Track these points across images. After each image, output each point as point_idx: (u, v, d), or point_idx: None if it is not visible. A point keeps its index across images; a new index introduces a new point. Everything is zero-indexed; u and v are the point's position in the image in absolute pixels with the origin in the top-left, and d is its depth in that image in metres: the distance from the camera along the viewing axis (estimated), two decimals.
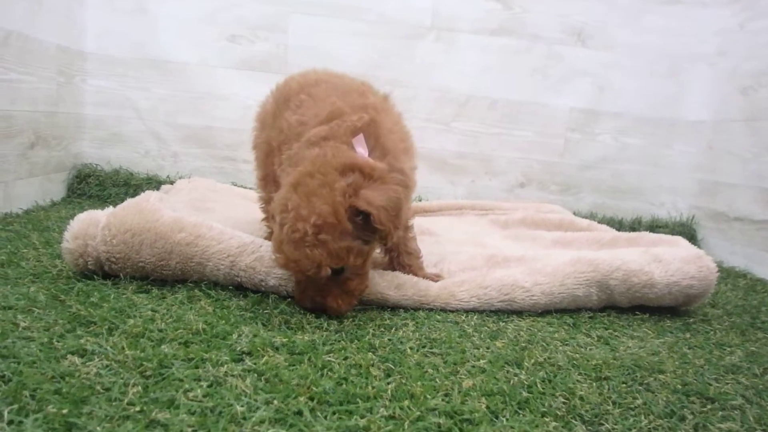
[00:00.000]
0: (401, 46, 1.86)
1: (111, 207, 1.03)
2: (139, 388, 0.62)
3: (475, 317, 0.99)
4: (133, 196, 1.69)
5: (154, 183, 1.75)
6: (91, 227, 0.97)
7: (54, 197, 1.62)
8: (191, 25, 1.77)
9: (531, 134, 1.97)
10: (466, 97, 1.92)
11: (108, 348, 0.71)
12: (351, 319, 0.91)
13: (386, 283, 1.01)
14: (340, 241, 0.85)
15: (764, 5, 1.76)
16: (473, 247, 1.40)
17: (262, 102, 1.22)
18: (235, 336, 0.79)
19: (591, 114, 1.97)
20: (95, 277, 0.97)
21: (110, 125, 1.79)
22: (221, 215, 1.40)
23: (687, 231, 1.96)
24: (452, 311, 1.01)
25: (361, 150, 0.94)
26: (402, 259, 1.12)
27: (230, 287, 0.99)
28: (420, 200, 1.94)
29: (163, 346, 0.73)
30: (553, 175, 2.00)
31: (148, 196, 1.05)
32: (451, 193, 1.97)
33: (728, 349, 0.97)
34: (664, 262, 1.10)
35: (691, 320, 1.10)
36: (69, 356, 0.68)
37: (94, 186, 1.70)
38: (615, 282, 1.06)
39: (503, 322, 0.98)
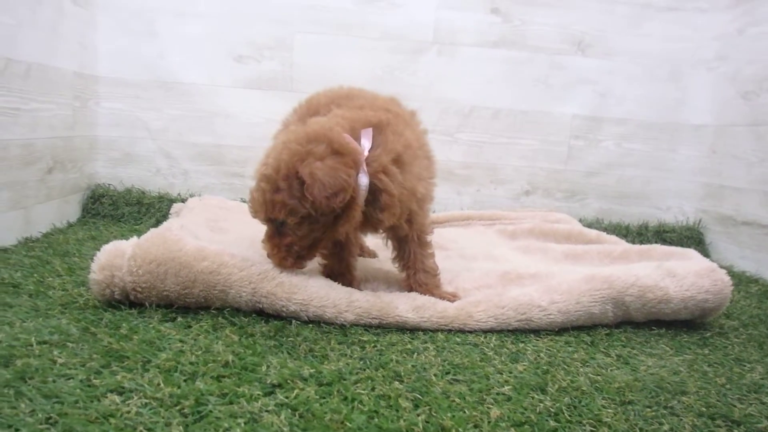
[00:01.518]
0: (405, 61, 1.89)
1: (135, 237, 1.06)
2: (181, 428, 0.65)
3: (494, 338, 1.00)
4: (145, 214, 1.74)
5: (165, 201, 1.78)
6: (117, 258, 0.99)
7: (70, 218, 1.65)
8: (199, 46, 1.80)
9: (535, 142, 1.99)
10: (470, 108, 1.94)
11: (144, 384, 0.73)
12: (373, 345, 0.94)
13: (405, 306, 1.03)
14: (275, 194, 0.94)
15: (763, 11, 1.78)
16: (484, 262, 1.42)
17: (283, 120, 1.24)
18: (264, 368, 0.81)
19: (594, 121, 1.99)
20: (121, 306, 1.00)
21: (123, 145, 1.82)
22: (235, 235, 1.43)
23: (695, 235, 1.97)
24: (470, 332, 1.03)
25: (365, 142, 0.98)
26: (419, 277, 1.13)
27: (252, 313, 1.02)
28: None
29: (197, 382, 0.75)
30: (558, 182, 2.03)
31: (170, 226, 1.07)
32: (457, 202, 1.99)
33: (748, 365, 0.98)
34: (678, 277, 1.11)
35: (708, 334, 1.12)
36: (108, 394, 0.71)
37: (108, 206, 1.72)
38: (630, 298, 1.08)
39: (522, 342, 0.99)
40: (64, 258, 1.28)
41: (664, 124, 2.02)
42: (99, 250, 1.33)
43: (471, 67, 1.91)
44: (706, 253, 1.92)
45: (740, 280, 1.63)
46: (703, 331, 1.13)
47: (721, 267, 1.74)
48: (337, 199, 0.91)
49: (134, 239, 1.04)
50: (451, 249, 1.55)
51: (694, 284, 1.10)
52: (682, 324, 1.13)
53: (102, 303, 1.01)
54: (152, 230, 1.07)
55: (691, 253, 1.28)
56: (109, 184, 1.81)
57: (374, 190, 0.98)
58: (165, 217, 1.72)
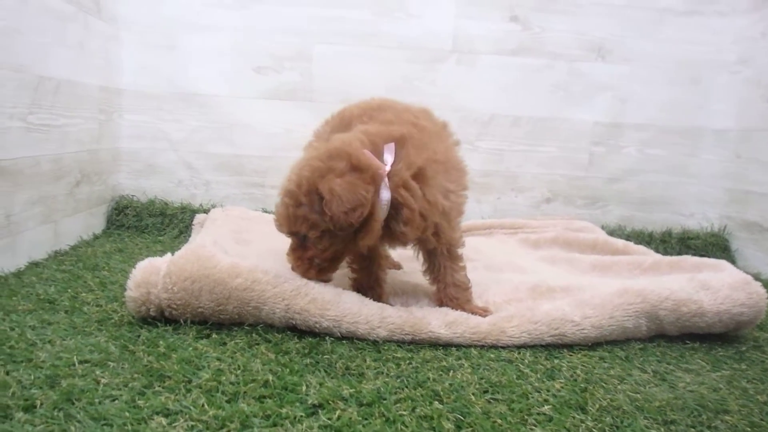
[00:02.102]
0: (424, 70, 1.89)
1: (169, 254, 1.07)
2: None
3: (528, 354, 1.00)
4: (168, 225, 1.76)
5: (187, 212, 1.79)
6: (152, 275, 1.00)
7: (96, 230, 1.67)
8: (219, 58, 1.81)
9: (555, 150, 1.98)
10: (489, 116, 1.94)
11: (189, 406, 0.74)
12: (408, 362, 0.93)
13: (437, 322, 1.03)
14: (297, 209, 0.98)
15: None
16: (512, 273, 1.41)
17: (315, 130, 1.26)
18: (303, 387, 0.81)
19: (614, 127, 1.98)
20: (156, 323, 1.01)
21: (145, 157, 1.83)
22: (260, 247, 1.43)
23: (720, 242, 1.93)
24: (503, 347, 1.02)
25: (388, 156, 1.00)
26: (449, 291, 1.13)
27: (285, 329, 1.02)
28: None
29: (240, 403, 0.76)
30: (578, 189, 2.02)
31: (204, 242, 1.08)
32: (477, 211, 1.99)
33: None
34: (712, 290, 1.10)
35: (743, 348, 1.11)
36: (155, 417, 0.71)
37: (132, 217, 1.74)
38: (664, 312, 1.07)
39: (556, 358, 0.99)
40: (94, 272, 1.29)
41: (685, 129, 2.00)
42: (127, 263, 1.38)
43: (490, 75, 1.91)
44: (732, 260, 1.88)
45: None
46: (738, 345, 1.12)
47: (748, 274, 1.75)
48: (355, 215, 0.93)
49: (168, 256, 1.05)
50: (476, 260, 1.54)
51: (728, 297, 1.09)
52: (716, 337, 1.12)
53: (137, 319, 1.02)
54: (186, 247, 1.08)
55: (724, 264, 1.26)
56: (132, 196, 1.82)
57: (396, 205, 0.99)
58: (187, 227, 1.74)
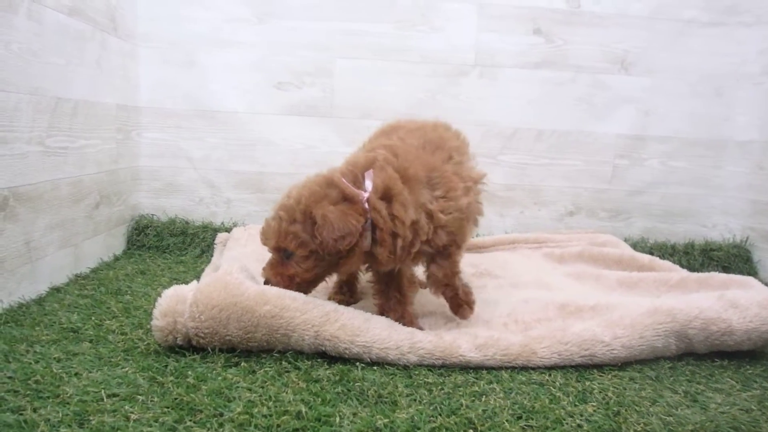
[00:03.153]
0: (446, 84, 1.87)
1: (195, 281, 1.05)
2: None
3: (558, 376, 0.98)
4: (190, 244, 1.74)
5: (209, 230, 1.77)
6: (179, 304, 0.98)
7: (116, 251, 1.65)
8: (239, 74, 1.80)
9: (579, 163, 1.96)
10: (512, 129, 1.92)
11: None
12: (440, 387, 0.91)
13: (467, 345, 1.01)
14: (290, 225, 1.02)
15: None
16: (538, 290, 1.39)
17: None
18: (337, 419, 0.79)
19: (638, 139, 1.96)
20: (184, 351, 0.98)
21: (165, 175, 1.82)
22: None
23: (742, 253, 1.92)
24: (533, 368, 1.00)
25: (368, 183, 1.03)
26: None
27: (314, 356, 1.00)
28: (473, 237, 1.93)
29: None
30: (602, 202, 1.99)
31: (231, 269, 1.06)
32: (500, 225, 1.96)
33: None
34: (740, 308, 1.09)
35: None
36: None
37: (152, 237, 1.72)
38: (694, 331, 1.06)
39: (587, 380, 0.97)
40: (117, 297, 1.27)
41: (709, 141, 1.97)
42: (149, 285, 1.36)
43: (513, 89, 1.89)
44: (754, 271, 1.88)
45: None
46: (766, 361, 1.10)
47: None
48: (344, 242, 0.97)
49: (194, 284, 1.03)
50: (501, 276, 1.53)
51: (757, 315, 1.08)
52: (744, 354, 1.10)
53: (163, 348, 0.99)
54: (212, 274, 1.06)
55: (751, 281, 1.26)
56: (152, 215, 1.81)
57: (374, 228, 1.03)
58: (209, 247, 1.72)
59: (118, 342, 1.02)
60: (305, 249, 1.02)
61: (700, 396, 0.93)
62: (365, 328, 1.00)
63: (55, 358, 0.93)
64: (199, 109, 1.79)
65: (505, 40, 1.86)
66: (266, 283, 1.07)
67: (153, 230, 1.73)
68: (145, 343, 1.02)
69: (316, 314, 1.00)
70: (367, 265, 1.12)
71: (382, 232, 1.01)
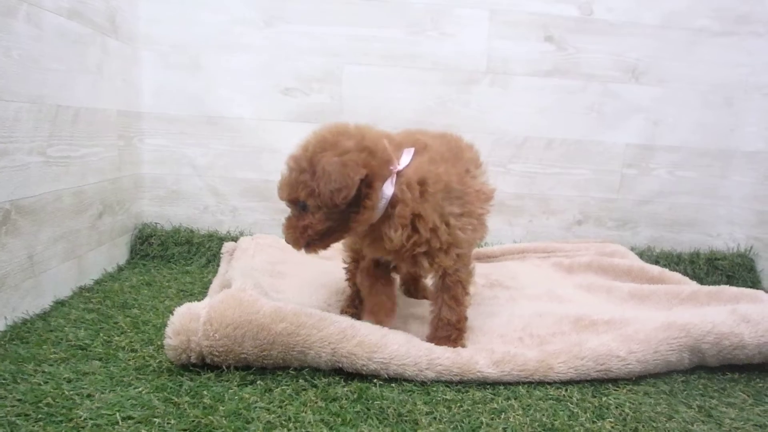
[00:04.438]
0: (457, 92, 1.84)
1: (208, 298, 1.02)
2: None
3: (575, 391, 0.98)
4: (195, 254, 1.70)
5: (215, 239, 1.73)
6: (192, 322, 0.95)
7: (119, 261, 1.61)
8: (245, 80, 1.76)
9: (588, 172, 1.94)
10: (522, 138, 1.90)
11: None
12: (459, 405, 0.90)
13: (485, 361, 1.00)
14: (299, 175, 0.99)
15: None
16: (550, 303, 1.38)
17: None
18: None
19: (646, 149, 1.95)
20: (198, 370, 0.96)
21: (169, 183, 1.78)
22: (296, 280, 1.39)
23: (746, 263, 1.93)
24: (549, 383, 1.00)
25: (405, 157, 1.01)
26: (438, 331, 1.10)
27: (331, 372, 0.98)
28: (481, 245, 1.91)
29: None
30: (610, 211, 1.98)
31: (245, 286, 1.03)
32: (509, 234, 1.94)
33: None
34: (752, 323, 1.10)
35: None
36: None
37: (157, 246, 1.68)
38: (707, 346, 1.07)
39: (603, 395, 0.97)
40: (124, 310, 1.23)
41: (717, 151, 1.97)
42: (156, 298, 1.33)
43: (524, 97, 1.87)
44: (757, 281, 1.89)
45: None
46: None
47: None
48: (340, 195, 0.93)
49: (207, 301, 1.00)
50: (512, 288, 1.51)
51: None
52: (753, 367, 1.11)
53: (176, 366, 0.96)
54: (226, 291, 1.03)
55: (762, 295, 1.28)
56: (156, 223, 1.77)
57: (394, 203, 0.99)
58: (215, 256, 1.68)
59: (129, 360, 0.99)
60: (311, 197, 0.97)
61: (714, 411, 0.93)
62: (382, 344, 0.98)
63: (65, 378, 0.90)
64: (204, 114, 1.76)
65: (517, 47, 1.84)
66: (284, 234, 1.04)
67: (157, 239, 1.69)
68: (157, 360, 0.99)
69: (333, 331, 0.98)
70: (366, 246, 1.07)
71: (405, 208, 0.98)
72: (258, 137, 1.78)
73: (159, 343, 1.05)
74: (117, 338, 1.08)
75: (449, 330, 1.08)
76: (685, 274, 1.83)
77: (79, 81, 1.34)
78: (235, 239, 1.74)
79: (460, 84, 1.84)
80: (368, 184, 0.96)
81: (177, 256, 1.69)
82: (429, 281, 1.41)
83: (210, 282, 1.47)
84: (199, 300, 1.32)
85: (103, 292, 1.34)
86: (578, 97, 1.89)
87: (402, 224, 0.98)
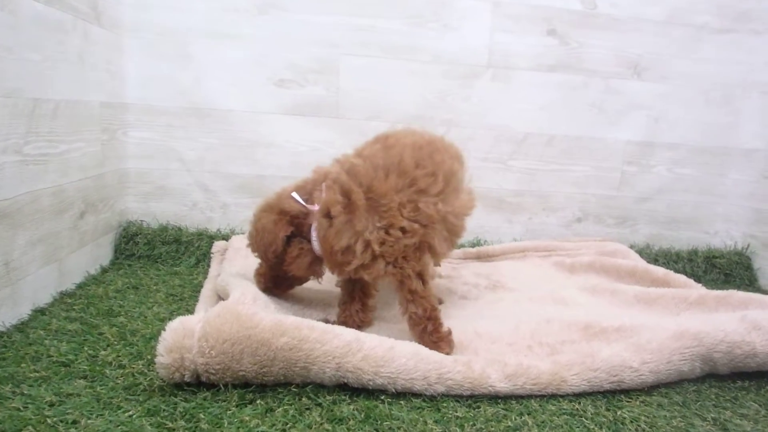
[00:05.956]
0: (458, 86, 1.78)
1: (202, 312, 0.95)
2: None
3: (588, 404, 0.95)
4: (184, 253, 1.62)
5: (204, 238, 1.65)
6: (186, 338, 0.88)
7: (103, 262, 1.52)
8: (237, 70, 1.66)
9: (588, 169, 1.90)
10: (523, 134, 1.84)
11: None
12: (471, 423, 0.86)
13: (497, 375, 0.96)
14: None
15: None
16: (555, 306, 1.35)
17: None
18: None
19: (647, 146, 1.92)
20: (192, 389, 0.89)
21: (155, 178, 1.68)
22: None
23: (743, 261, 1.93)
24: (562, 396, 0.97)
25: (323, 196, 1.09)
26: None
27: (335, 388, 0.93)
28: (481, 243, 1.87)
29: None
30: (609, 208, 1.95)
31: (242, 299, 0.97)
32: (509, 231, 1.90)
33: None
34: (763, 330, 1.09)
35: None
36: None
37: (143, 245, 1.59)
38: (719, 355, 1.06)
39: (616, 408, 0.94)
40: (109, 319, 1.16)
41: (715, 149, 1.95)
42: (144, 303, 1.25)
43: (526, 92, 1.81)
44: (754, 278, 1.90)
45: None
46: None
47: None
48: (270, 251, 1.09)
49: (202, 315, 0.93)
50: (516, 290, 1.47)
51: None
52: (763, 374, 1.10)
53: (169, 385, 0.90)
54: (221, 304, 0.96)
55: None
56: (141, 221, 1.68)
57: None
58: (205, 255, 1.60)
59: (117, 378, 0.92)
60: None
61: (729, 423, 0.92)
62: (389, 358, 0.93)
63: (47, 402, 0.82)
64: (193, 106, 1.66)
65: (519, 41, 1.78)
66: None
67: (143, 238, 1.60)
68: (148, 378, 0.92)
69: (337, 344, 0.92)
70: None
71: (322, 245, 1.07)
72: (250, 131, 1.70)
73: (149, 356, 0.98)
74: (103, 352, 1.00)
75: (422, 322, 1.06)
76: (684, 272, 1.83)
77: (59, 72, 1.24)
78: (225, 237, 1.67)
79: (462, 78, 1.78)
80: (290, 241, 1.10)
81: (164, 255, 1.60)
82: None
83: (200, 284, 1.39)
84: (189, 305, 1.27)
85: (86, 298, 1.26)
86: (580, 93, 1.84)
87: (327, 262, 1.09)
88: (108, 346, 1.03)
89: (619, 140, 1.90)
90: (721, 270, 1.90)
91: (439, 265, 1.40)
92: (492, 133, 1.83)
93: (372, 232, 1.03)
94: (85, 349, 1.01)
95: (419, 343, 1.02)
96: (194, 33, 1.63)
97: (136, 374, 0.93)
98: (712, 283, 1.82)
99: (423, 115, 1.77)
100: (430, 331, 1.06)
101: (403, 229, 1.05)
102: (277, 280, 1.17)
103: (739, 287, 1.81)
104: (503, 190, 1.87)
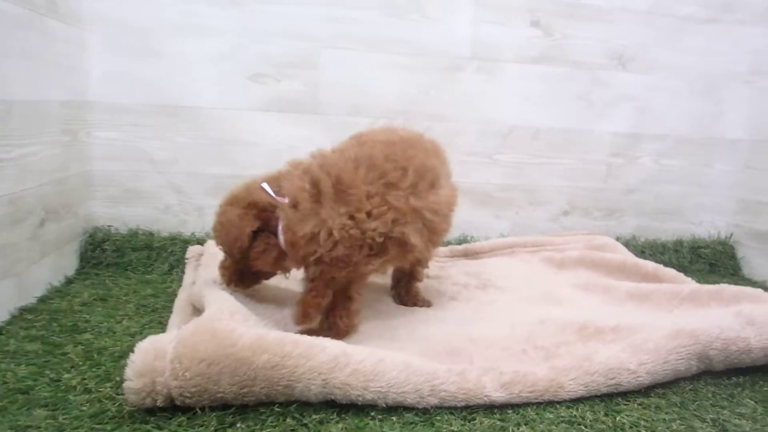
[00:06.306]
0: (441, 79, 1.71)
1: (176, 325, 0.88)
2: None
3: (586, 410, 0.91)
4: (156, 260, 1.53)
5: (178, 243, 1.56)
6: (157, 360, 0.81)
7: (67, 272, 1.42)
8: (209, 65, 1.57)
9: (575, 161, 1.87)
10: (509, 127, 1.80)
11: None
12: None
13: (492, 384, 0.91)
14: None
15: None
16: (548, 306, 1.31)
17: None
18: None
19: (633, 138, 1.89)
20: (166, 414, 0.82)
21: (123, 181, 1.58)
22: (270, 291, 1.26)
23: (728, 250, 1.93)
24: (558, 402, 0.93)
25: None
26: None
27: (322, 406, 0.87)
28: (468, 239, 1.82)
29: None
30: (596, 201, 1.92)
31: (219, 315, 0.90)
32: (496, 227, 1.86)
33: None
34: (757, 325, 1.08)
35: None
36: None
37: (111, 252, 1.50)
38: (715, 352, 1.04)
39: (615, 412, 0.91)
40: (74, 336, 1.07)
41: (700, 139, 1.94)
42: (113, 317, 1.17)
43: (511, 85, 1.77)
44: (738, 268, 1.91)
45: None
46: None
47: (755, 283, 1.75)
48: (236, 246, 1.06)
49: (174, 333, 0.86)
50: (507, 289, 1.43)
51: None
52: (756, 368, 1.09)
53: (141, 412, 0.82)
54: (196, 320, 0.88)
55: (762, 294, 1.26)
56: (109, 226, 1.57)
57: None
58: (179, 261, 1.52)
59: (82, 404, 0.83)
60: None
61: (728, 424, 0.90)
62: (379, 371, 0.87)
63: None
64: (162, 104, 1.56)
65: (503, 33, 1.72)
66: None
67: (111, 244, 1.50)
68: (117, 404, 0.84)
69: (323, 359, 0.86)
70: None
71: (285, 235, 1.05)
72: (225, 128, 1.61)
73: (118, 378, 0.90)
74: (66, 375, 0.92)
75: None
76: (670, 263, 1.84)
77: (13, 70, 1.14)
78: (200, 242, 1.58)
79: (445, 71, 1.72)
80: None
81: (135, 262, 1.51)
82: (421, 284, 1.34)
83: (174, 293, 1.31)
84: (163, 317, 1.19)
85: (48, 313, 1.17)
86: (566, 85, 1.81)
87: (291, 252, 1.06)
88: (72, 367, 0.94)
89: (605, 132, 1.87)
90: (706, 260, 1.91)
91: (428, 267, 1.35)
92: (477, 127, 1.77)
93: (335, 219, 1.01)
94: (47, 372, 0.92)
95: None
96: (162, 26, 1.53)
97: (103, 399, 0.85)
98: (697, 273, 1.82)
99: (406, 109, 1.70)
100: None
101: (369, 213, 1.03)
102: (243, 275, 1.14)
103: (723, 277, 1.83)
104: (490, 184, 1.82)
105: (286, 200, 1.04)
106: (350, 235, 1.02)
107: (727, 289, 1.30)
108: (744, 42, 1.87)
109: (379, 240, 1.04)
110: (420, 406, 0.87)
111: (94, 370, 0.94)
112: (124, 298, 1.29)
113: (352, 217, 1.02)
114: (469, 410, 0.89)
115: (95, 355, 0.99)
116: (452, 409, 0.88)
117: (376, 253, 1.06)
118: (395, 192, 1.05)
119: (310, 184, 1.03)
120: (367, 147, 1.09)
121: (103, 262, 1.50)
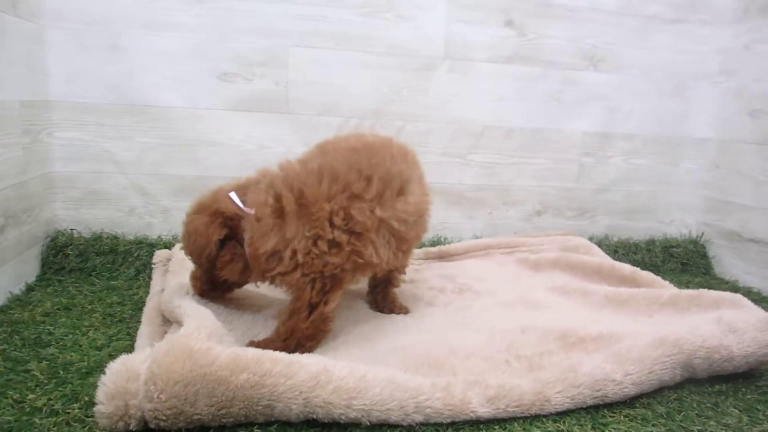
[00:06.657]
0: (413, 78, 1.69)
1: (149, 348, 0.84)
2: None
3: (573, 424, 0.91)
4: (122, 264, 1.47)
5: (144, 246, 1.50)
6: (130, 382, 0.78)
7: (28, 279, 1.35)
8: (175, 63, 1.51)
9: (547, 161, 1.88)
10: (482, 127, 1.79)
11: None
12: None
13: (478, 399, 0.90)
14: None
15: None
16: (527, 311, 1.30)
17: None
18: None
19: (604, 137, 1.91)
20: None
21: (86, 182, 1.51)
22: (243, 301, 1.22)
23: (699, 249, 1.96)
24: (545, 416, 0.93)
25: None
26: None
27: (303, 425, 0.84)
28: (442, 240, 1.81)
29: None
30: (569, 200, 1.94)
31: (196, 333, 0.86)
32: (470, 227, 1.85)
33: None
34: (739, 332, 1.09)
35: (761, 382, 1.10)
36: None
37: (74, 258, 1.43)
38: (698, 361, 1.04)
39: (602, 425, 0.91)
40: (37, 350, 1.02)
41: (669, 138, 1.97)
42: (78, 329, 1.12)
43: (484, 84, 1.76)
44: (709, 267, 1.93)
45: (750, 298, 1.60)
46: (756, 379, 1.11)
47: (726, 282, 1.78)
48: (204, 254, 1.04)
49: (148, 352, 0.82)
50: (483, 293, 1.42)
51: (755, 339, 1.08)
52: (738, 375, 1.10)
53: None
54: (170, 338, 0.85)
55: (741, 300, 1.26)
56: (72, 230, 1.51)
57: None
58: (146, 266, 1.46)
59: (49, 428, 0.79)
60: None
61: None
62: (362, 389, 0.85)
63: None
64: (126, 103, 1.49)
65: (476, 32, 1.71)
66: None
67: (74, 249, 1.44)
68: (86, 427, 0.80)
69: (304, 377, 0.84)
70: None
71: (250, 246, 1.03)
72: (192, 128, 1.55)
73: (87, 398, 0.86)
74: (31, 395, 0.87)
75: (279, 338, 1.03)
76: (643, 262, 1.86)
77: None
78: (167, 245, 1.53)
79: (418, 70, 1.70)
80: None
81: (99, 267, 1.45)
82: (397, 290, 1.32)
83: (142, 300, 1.27)
84: (131, 327, 1.14)
85: (9, 325, 1.11)
86: (538, 85, 1.81)
87: (250, 258, 1.04)
88: (37, 386, 0.90)
89: (576, 132, 1.88)
90: (678, 259, 1.91)
91: (404, 273, 1.33)
92: (450, 126, 1.76)
93: (300, 241, 0.99)
94: (9, 392, 0.87)
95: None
96: (126, 22, 1.46)
97: (71, 422, 0.81)
98: (670, 273, 1.84)
99: (378, 109, 1.68)
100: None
101: (331, 243, 1.00)
102: (214, 284, 1.12)
103: (695, 276, 1.85)
104: (462, 185, 1.82)
105: (253, 211, 1.02)
106: (313, 263, 0.99)
107: (706, 294, 1.30)
108: (711, 42, 1.90)
109: (336, 272, 1.02)
110: (405, 424, 0.86)
111: (60, 389, 0.89)
112: (89, 306, 1.24)
113: (315, 243, 0.99)
114: (455, 427, 0.87)
115: (61, 372, 0.94)
116: (438, 426, 0.87)
117: (330, 287, 1.03)
118: (359, 204, 1.02)
119: (274, 198, 1.00)
120: (330, 156, 1.05)
121: (65, 267, 1.43)
